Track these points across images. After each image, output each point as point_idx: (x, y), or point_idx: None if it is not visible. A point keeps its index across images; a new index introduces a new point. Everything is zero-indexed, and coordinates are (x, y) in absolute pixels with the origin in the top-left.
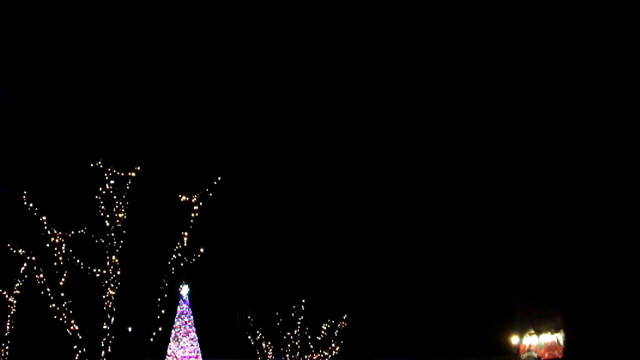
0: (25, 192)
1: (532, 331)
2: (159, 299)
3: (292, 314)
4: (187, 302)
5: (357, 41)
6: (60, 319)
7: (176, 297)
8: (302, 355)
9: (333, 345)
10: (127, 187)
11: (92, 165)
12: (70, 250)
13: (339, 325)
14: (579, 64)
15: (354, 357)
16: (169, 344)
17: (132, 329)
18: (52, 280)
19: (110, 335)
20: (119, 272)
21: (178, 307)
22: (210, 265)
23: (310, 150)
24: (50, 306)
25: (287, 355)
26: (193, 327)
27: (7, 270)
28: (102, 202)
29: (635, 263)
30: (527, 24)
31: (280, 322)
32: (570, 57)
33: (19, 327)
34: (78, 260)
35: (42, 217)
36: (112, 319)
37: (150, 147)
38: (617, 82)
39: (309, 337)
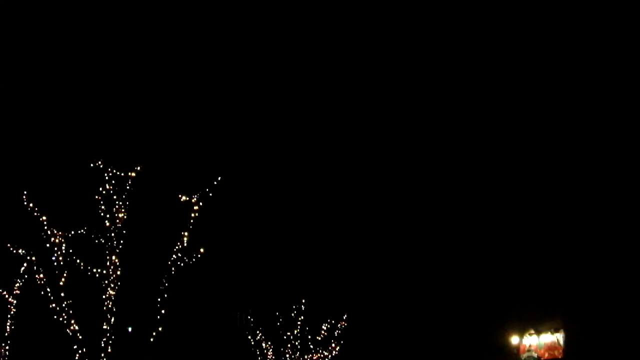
0: (25, 192)
1: (532, 331)
2: (159, 299)
3: (292, 314)
4: None
5: (357, 41)
6: (60, 319)
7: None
8: (302, 355)
9: (333, 345)
10: (127, 187)
11: (92, 165)
12: (70, 250)
13: (339, 325)
14: (579, 65)
15: (354, 357)
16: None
17: (132, 329)
18: (52, 280)
19: (110, 335)
20: (119, 272)
21: None
22: (211, 265)
23: (310, 150)
24: (50, 306)
25: (287, 355)
26: None
27: (7, 270)
28: (102, 202)
29: (635, 264)
30: (527, 24)
31: (280, 322)
32: (570, 57)
33: (19, 327)
34: (78, 260)
35: (42, 217)
36: (112, 319)
37: (150, 147)
38: (617, 85)
39: (309, 337)
